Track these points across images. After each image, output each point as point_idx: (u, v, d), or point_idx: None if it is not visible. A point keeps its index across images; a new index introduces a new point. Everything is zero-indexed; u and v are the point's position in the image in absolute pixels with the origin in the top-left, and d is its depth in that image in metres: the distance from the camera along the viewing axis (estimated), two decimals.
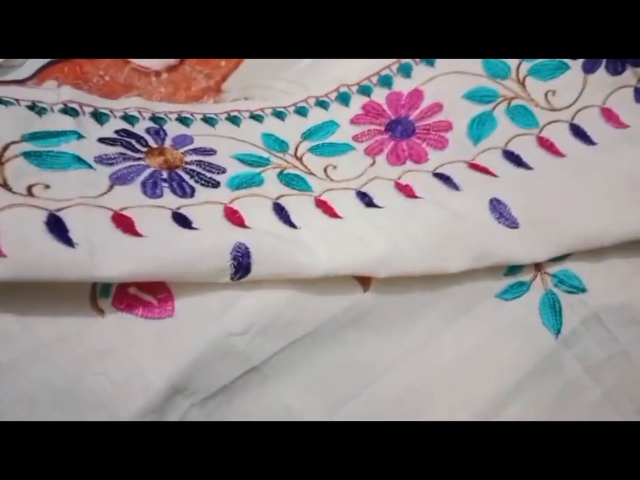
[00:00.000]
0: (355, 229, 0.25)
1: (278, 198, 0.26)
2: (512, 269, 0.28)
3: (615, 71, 0.31)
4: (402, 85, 0.34)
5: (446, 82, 0.34)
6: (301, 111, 0.32)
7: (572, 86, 0.31)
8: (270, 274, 0.24)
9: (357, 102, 0.33)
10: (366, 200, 0.27)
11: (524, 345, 0.28)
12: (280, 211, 0.25)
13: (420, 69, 0.34)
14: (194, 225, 0.23)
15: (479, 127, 0.32)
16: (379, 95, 0.33)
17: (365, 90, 0.33)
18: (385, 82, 0.34)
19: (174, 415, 0.24)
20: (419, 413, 0.27)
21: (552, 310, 0.28)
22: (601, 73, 0.31)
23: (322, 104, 0.32)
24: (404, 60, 0.34)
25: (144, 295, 0.23)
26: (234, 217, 0.24)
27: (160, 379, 0.23)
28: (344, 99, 0.33)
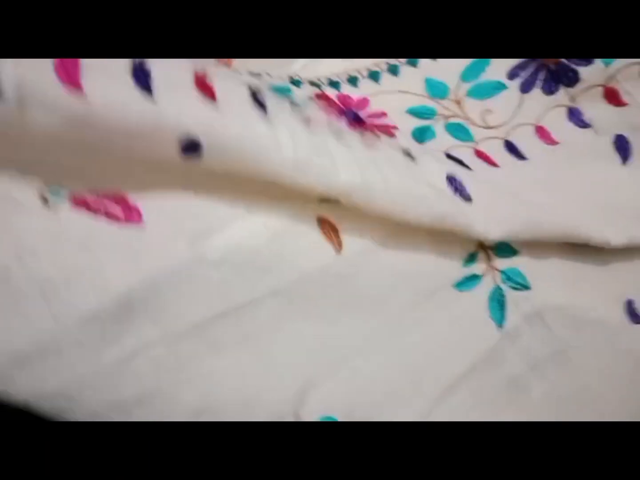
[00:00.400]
0: (331, 149, 0.24)
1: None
2: (469, 260, 0.29)
3: (549, 91, 0.33)
4: (349, 91, 0.34)
5: (390, 98, 0.35)
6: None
7: (508, 105, 0.34)
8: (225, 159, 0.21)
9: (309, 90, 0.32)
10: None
11: (472, 337, 0.28)
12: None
13: (366, 82, 0.35)
14: None
15: (421, 135, 0.33)
16: (330, 92, 0.33)
17: (315, 84, 0.33)
18: (334, 85, 0.34)
19: (134, 338, 0.20)
20: (380, 402, 0.26)
21: (498, 305, 0.29)
22: (536, 92, 0.33)
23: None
24: (352, 73, 0.35)
25: (108, 204, 0.20)
26: None
27: (119, 280, 0.19)
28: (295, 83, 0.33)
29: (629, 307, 0.30)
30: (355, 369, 0.26)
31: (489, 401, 0.28)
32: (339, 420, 0.25)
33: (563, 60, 0.32)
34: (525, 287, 0.29)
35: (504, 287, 0.29)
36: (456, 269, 0.28)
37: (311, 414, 0.25)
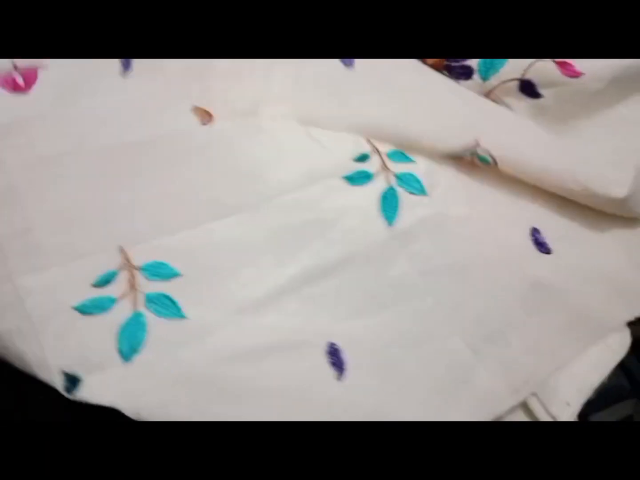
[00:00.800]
0: None
1: None
2: (362, 157, 0.29)
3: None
4: None
5: None
6: None
7: None
8: None
9: None
10: None
11: (358, 228, 0.28)
12: None
13: None
14: None
15: None
16: None
17: None
18: None
19: None
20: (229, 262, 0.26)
21: (390, 204, 0.28)
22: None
23: None
24: None
25: None
26: None
27: None
28: None
29: (535, 235, 0.29)
30: (215, 230, 0.26)
31: (368, 295, 0.27)
32: (172, 266, 0.25)
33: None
34: (421, 192, 0.29)
35: (398, 189, 0.28)
36: (346, 162, 0.29)
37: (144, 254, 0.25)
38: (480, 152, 0.28)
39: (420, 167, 0.29)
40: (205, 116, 0.28)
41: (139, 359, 0.23)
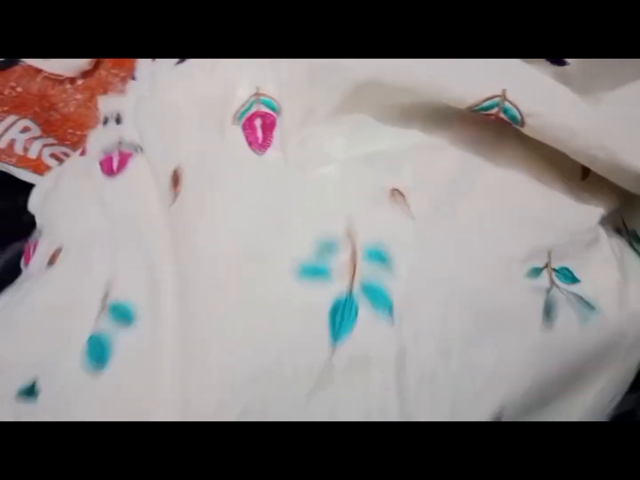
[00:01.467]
0: None
1: None
2: (327, 247, 0.24)
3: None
4: None
5: None
6: None
7: None
8: None
9: None
10: None
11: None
12: None
13: None
14: None
15: None
16: None
17: None
18: None
19: None
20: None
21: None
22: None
23: None
24: None
25: None
26: None
27: None
28: None
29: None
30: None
31: None
32: None
33: None
34: (388, 312, 0.23)
35: (359, 300, 0.23)
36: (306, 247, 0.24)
37: None
38: (507, 104, 0.26)
39: (397, 284, 0.23)
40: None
41: None
